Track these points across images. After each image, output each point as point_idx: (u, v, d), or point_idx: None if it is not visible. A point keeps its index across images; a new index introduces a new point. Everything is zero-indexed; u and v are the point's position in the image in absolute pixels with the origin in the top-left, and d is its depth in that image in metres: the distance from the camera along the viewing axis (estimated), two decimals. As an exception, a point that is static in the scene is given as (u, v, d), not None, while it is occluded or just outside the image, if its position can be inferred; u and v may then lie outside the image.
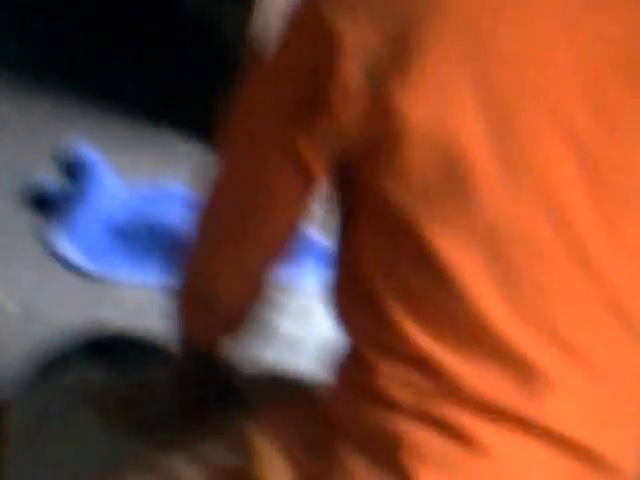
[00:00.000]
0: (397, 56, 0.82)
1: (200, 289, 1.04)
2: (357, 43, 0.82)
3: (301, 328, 1.83)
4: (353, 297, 0.94)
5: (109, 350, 1.17)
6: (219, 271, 1.01)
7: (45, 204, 2.13)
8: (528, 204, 0.86)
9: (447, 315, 0.88)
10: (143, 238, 2.03)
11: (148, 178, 2.20)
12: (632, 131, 0.88)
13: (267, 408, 1.00)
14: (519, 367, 0.88)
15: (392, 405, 0.88)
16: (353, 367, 0.93)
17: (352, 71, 0.83)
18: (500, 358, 0.88)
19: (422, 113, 0.83)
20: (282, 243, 0.98)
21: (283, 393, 1.08)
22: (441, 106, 0.83)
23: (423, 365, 0.88)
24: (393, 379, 0.88)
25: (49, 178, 2.16)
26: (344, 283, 0.95)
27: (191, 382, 1.09)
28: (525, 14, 0.84)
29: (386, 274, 0.89)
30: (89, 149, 2.15)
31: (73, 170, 2.15)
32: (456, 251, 0.86)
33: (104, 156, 2.14)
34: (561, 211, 0.87)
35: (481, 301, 0.86)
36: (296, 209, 0.95)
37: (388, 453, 0.88)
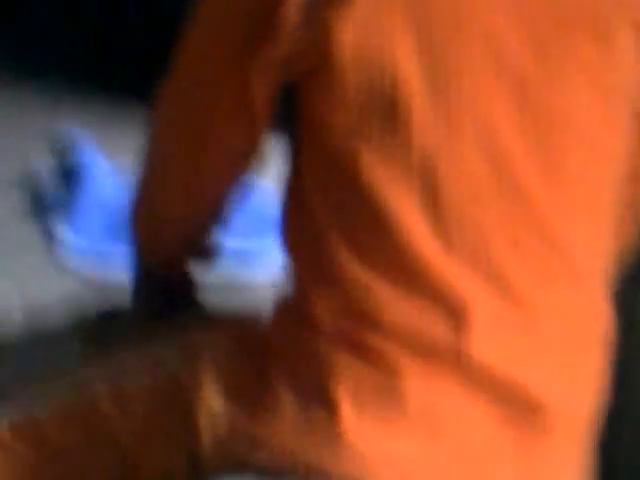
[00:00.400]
0: None
1: (151, 209, 1.10)
2: None
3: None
4: (296, 223, 0.98)
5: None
6: (167, 193, 1.07)
7: (41, 187, 2.15)
8: (461, 137, 0.88)
9: (379, 245, 0.90)
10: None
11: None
12: (566, 67, 0.90)
13: (218, 325, 1.05)
14: (448, 300, 0.90)
15: (323, 333, 0.91)
16: (292, 293, 0.97)
17: (294, 5, 0.87)
18: (429, 290, 0.90)
19: (357, 40, 0.86)
20: (230, 174, 1.03)
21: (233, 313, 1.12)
22: (375, 34, 0.86)
23: (354, 293, 0.91)
24: (326, 306, 0.92)
25: (45, 162, 2.17)
26: (289, 210, 0.99)
27: (152, 299, 1.17)
28: None
29: (325, 202, 0.93)
30: (82, 137, 2.14)
31: (66, 153, 2.15)
32: (390, 182, 0.88)
33: (97, 141, 2.15)
34: (495, 145, 0.89)
35: (412, 232, 0.89)
36: (242, 144, 0.99)
37: (317, 383, 0.91)
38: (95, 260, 1.97)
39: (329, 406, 0.89)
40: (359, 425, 0.89)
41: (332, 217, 0.92)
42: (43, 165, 2.18)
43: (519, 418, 0.92)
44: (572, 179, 0.93)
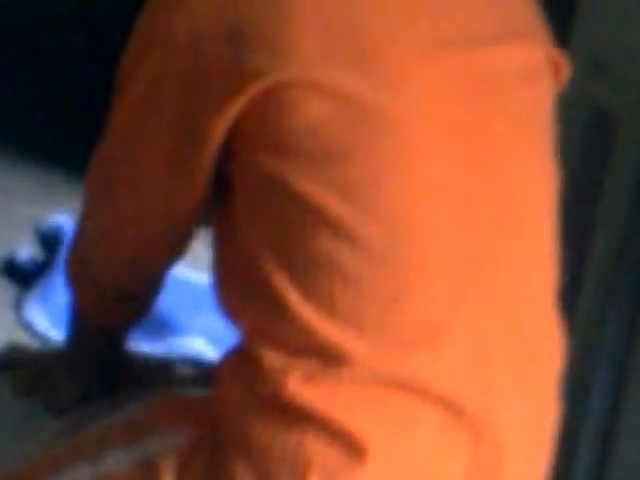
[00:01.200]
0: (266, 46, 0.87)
1: (84, 260, 1.06)
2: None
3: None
4: (236, 285, 0.93)
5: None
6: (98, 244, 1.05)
7: (22, 275, 2.15)
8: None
9: (342, 293, 0.87)
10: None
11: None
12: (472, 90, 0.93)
13: (166, 406, 0.98)
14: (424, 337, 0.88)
15: (285, 414, 0.86)
16: (242, 364, 0.91)
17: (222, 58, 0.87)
18: (390, 323, 0.88)
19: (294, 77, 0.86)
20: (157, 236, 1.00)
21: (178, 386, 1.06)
22: (313, 76, 0.86)
23: (309, 344, 0.86)
24: (278, 367, 0.86)
25: (28, 250, 2.19)
26: (225, 274, 0.95)
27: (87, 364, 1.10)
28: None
29: (270, 248, 0.88)
30: (67, 221, 2.14)
31: (51, 242, 2.17)
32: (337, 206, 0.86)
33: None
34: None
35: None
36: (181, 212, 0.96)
37: (287, 474, 0.87)
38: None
39: None
40: None
41: (277, 263, 0.88)
42: (26, 249, 2.20)
43: (479, 452, 0.91)
44: (524, 208, 0.95)
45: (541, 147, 0.98)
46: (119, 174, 0.99)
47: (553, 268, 0.98)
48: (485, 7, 0.96)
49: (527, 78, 0.96)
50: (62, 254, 2.05)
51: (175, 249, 1.02)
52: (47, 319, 2.01)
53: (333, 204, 0.86)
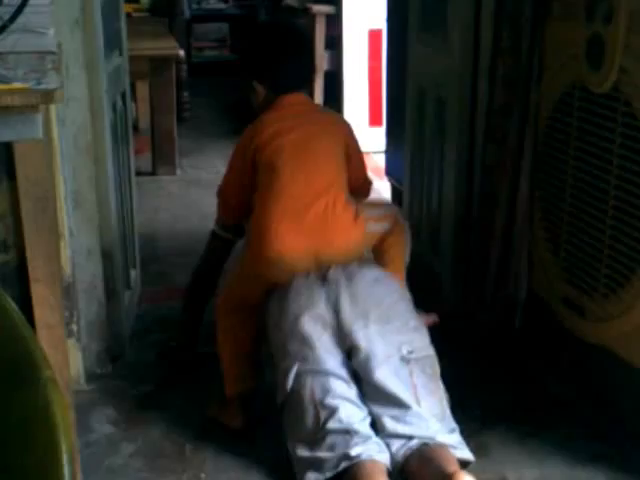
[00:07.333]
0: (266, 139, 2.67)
1: (224, 196, 2.88)
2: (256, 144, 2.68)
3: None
4: (257, 203, 2.68)
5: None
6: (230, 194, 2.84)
7: None
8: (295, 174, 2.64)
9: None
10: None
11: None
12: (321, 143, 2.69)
13: None
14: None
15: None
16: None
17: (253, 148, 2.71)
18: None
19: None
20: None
21: None
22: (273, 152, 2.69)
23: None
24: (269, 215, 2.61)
25: None
26: (256, 200, 2.67)
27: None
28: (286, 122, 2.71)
29: (261, 188, 2.67)
30: None
31: None
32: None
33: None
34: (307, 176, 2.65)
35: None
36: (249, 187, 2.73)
37: None
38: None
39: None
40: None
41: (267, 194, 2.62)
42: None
43: None
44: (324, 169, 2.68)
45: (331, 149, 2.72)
46: (229, 175, 2.82)
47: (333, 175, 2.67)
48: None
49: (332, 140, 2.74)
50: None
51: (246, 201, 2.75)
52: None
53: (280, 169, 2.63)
